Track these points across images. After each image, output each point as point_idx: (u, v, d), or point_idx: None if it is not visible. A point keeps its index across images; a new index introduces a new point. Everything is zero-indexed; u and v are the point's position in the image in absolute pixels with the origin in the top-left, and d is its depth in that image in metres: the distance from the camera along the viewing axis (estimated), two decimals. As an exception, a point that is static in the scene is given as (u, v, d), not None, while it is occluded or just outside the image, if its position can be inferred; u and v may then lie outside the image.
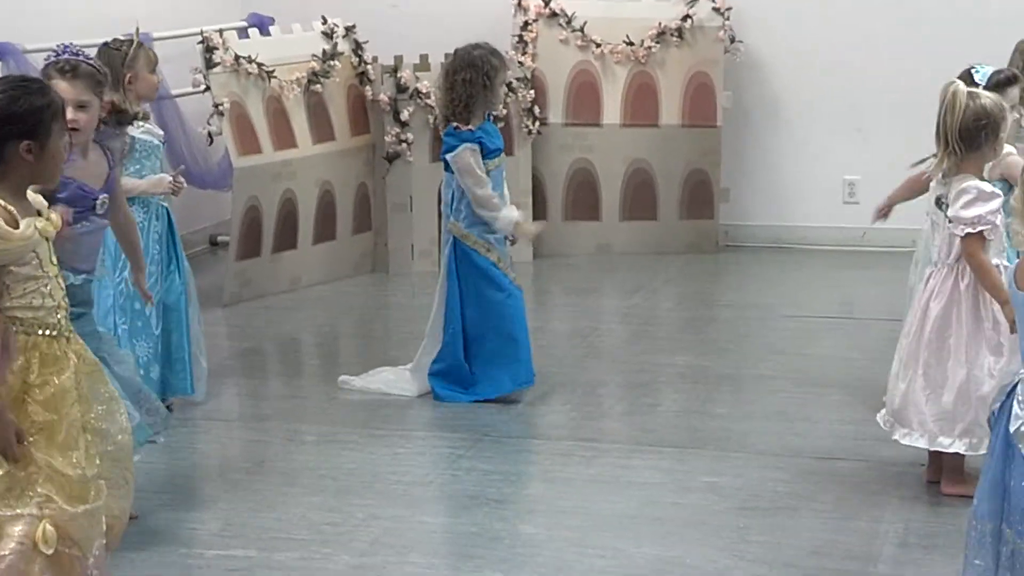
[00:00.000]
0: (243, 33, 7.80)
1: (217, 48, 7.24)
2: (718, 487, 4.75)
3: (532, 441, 5.37)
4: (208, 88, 7.27)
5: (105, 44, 5.42)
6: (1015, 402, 3.33)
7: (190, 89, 7.47)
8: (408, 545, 4.33)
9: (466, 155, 5.55)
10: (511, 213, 5.62)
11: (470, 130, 5.57)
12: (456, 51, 5.70)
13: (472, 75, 5.55)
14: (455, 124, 5.58)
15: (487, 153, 5.60)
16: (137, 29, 5.45)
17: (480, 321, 5.68)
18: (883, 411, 4.78)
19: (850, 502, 4.60)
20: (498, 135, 5.75)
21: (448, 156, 5.59)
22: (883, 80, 8.14)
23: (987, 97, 4.45)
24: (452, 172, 5.62)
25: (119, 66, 5.35)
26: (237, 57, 7.31)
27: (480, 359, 5.70)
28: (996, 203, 4.42)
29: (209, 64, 7.22)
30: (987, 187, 4.44)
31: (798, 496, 4.66)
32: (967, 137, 4.41)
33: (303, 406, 5.76)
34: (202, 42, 7.21)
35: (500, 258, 5.72)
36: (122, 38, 5.42)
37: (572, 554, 4.26)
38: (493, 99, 5.69)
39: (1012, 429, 3.30)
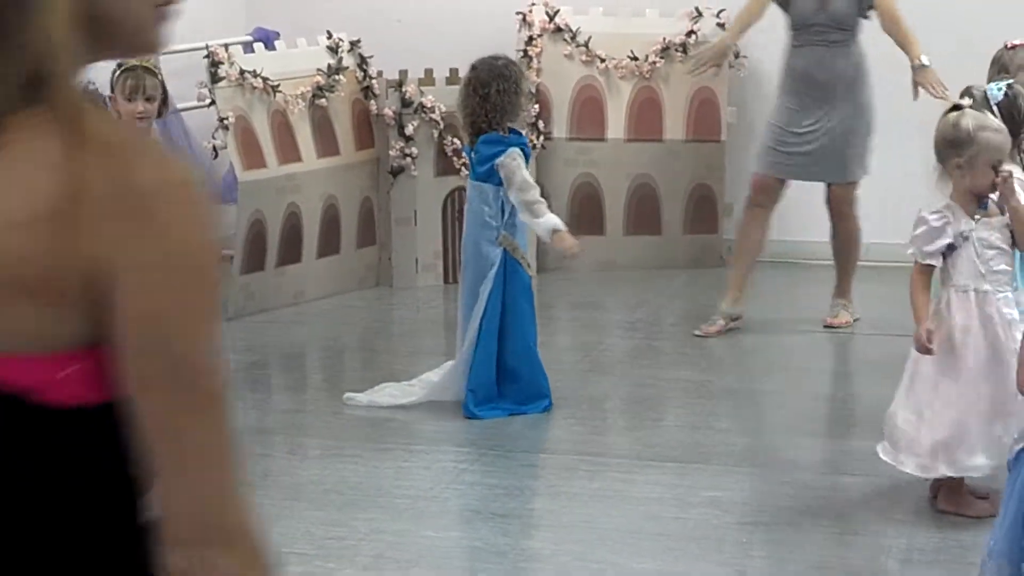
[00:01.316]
0: (248, 47, 7.82)
1: (222, 62, 7.26)
2: (721, 502, 4.75)
3: (536, 455, 5.38)
4: (213, 102, 7.29)
5: None
6: None
7: (195, 103, 7.49)
8: (412, 559, 4.34)
9: (516, 157, 5.57)
10: (551, 221, 5.60)
11: (517, 134, 5.65)
12: (476, 65, 5.70)
13: (504, 84, 5.60)
14: (497, 131, 5.61)
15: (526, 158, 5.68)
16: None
17: (516, 338, 5.69)
18: (917, 462, 4.57)
19: (853, 517, 4.60)
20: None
21: (497, 160, 5.56)
22: (887, 94, 8.14)
23: (969, 118, 4.44)
24: (494, 182, 5.61)
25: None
26: (242, 71, 7.33)
27: (509, 376, 5.70)
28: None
29: (214, 78, 7.24)
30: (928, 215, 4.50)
31: (801, 511, 4.66)
32: (939, 157, 4.46)
33: (307, 420, 5.77)
34: (207, 56, 7.24)
35: (524, 256, 5.81)
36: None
37: (575, 568, 4.26)
38: (521, 106, 5.77)
39: None
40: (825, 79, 6.63)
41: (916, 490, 4.76)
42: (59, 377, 1.37)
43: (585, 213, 8.42)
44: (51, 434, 1.41)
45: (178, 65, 7.23)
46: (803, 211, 8.51)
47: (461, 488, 4.95)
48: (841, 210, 6.84)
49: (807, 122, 6.66)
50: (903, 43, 6.56)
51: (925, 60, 6.47)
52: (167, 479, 1.44)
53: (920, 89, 6.50)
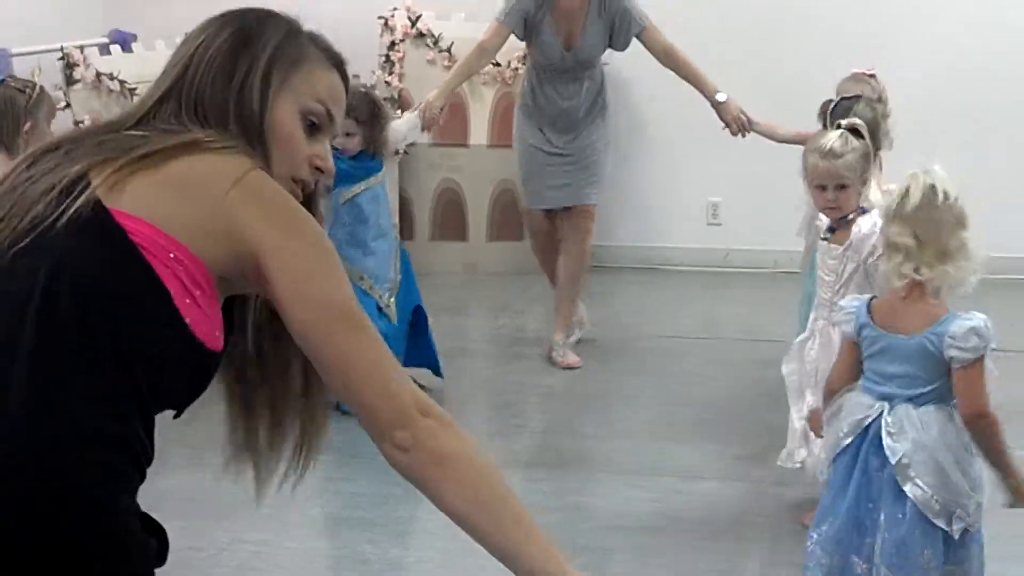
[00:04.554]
0: (105, 50, 7.68)
1: (78, 64, 7.13)
2: (584, 507, 4.77)
3: (399, 463, 5.34)
4: (68, 105, 7.15)
5: (1, 81, 5.11)
6: (884, 434, 3.37)
7: (50, 106, 7.34)
8: (274, 570, 4.29)
9: None
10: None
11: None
12: None
13: None
14: None
15: (341, 179, 5.57)
16: (35, 71, 5.28)
17: None
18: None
19: (715, 522, 4.65)
20: (362, 165, 5.78)
21: None
22: (746, 103, 8.26)
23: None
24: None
25: (21, 109, 4.89)
26: (99, 74, 7.21)
27: None
28: None
29: (70, 80, 7.12)
30: None
31: (663, 516, 4.70)
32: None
33: (165, 428, 5.66)
34: (62, 58, 7.10)
35: (373, 286, 5.77)
36: (20, 78, 5.13)
37: (440, 576, 4.25)
38: None
39: (893, 462, 3.35)
40: (572, 108, 6.57)
41: (776, 495, 4.83)
42: (172, 256, 1.86)
43: (448, 218, 8.41)
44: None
45: (31, 66, 7.08)
46: (664, 218, 8.62)
47: (326, 496, 4.91)
48: (586, 229, 6.70)
49: (561, 151, 6.60)
50: (691, 79, 6.45)
51: (722, 96, 6.42)
52: (358, 388, 1.92)
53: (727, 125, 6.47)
